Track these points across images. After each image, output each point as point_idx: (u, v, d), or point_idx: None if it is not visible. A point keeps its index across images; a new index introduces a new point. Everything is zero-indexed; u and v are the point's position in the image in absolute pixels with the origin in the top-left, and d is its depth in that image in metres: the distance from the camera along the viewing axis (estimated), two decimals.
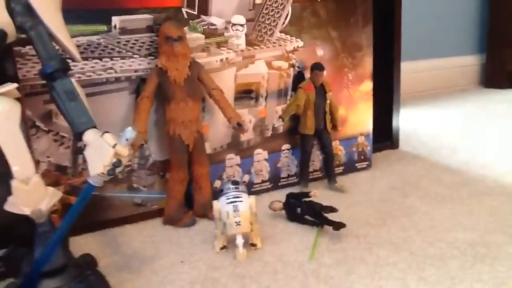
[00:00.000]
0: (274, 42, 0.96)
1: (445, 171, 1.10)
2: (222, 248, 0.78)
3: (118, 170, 0.57)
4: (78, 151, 0.81)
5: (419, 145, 1.32)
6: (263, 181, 1.01)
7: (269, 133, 1.00)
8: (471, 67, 2.23)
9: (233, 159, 0.97)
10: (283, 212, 0.88)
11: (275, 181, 1.03)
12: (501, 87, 2.11)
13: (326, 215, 0.81)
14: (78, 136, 0.59)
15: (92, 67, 0.81)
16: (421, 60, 2.04)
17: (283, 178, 1.03)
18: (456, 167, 1.13)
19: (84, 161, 0.62)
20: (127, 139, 0.57)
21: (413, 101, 1.86)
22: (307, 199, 0.86)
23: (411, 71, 1.93)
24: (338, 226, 0.79)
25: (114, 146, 0.56)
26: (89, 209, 0.83)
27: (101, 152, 0.57)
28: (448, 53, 2.15)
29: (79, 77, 0.80)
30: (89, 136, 0.58)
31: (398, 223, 0.85)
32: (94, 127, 0.60)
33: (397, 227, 0.83)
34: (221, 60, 0.91)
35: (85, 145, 0.59)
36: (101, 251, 0.79)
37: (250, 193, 0.80)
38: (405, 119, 1.53)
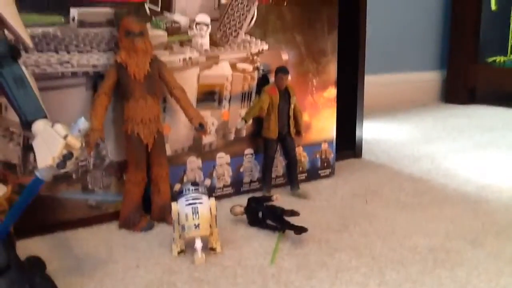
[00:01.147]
0: (239, 44, 0.94)
1: (407, 180, 1.11)
2: (180, 252, 0.75)
3: (69, 163, 0.54)
4: (28, 147, 0.77)
5: (381, 154, 1.33)
6: (225, 186, 0.99)
7: (232, 136, 0.97)
8: (433, 82, 2.28)
9: (194, 162, 0.94)
10: (245, 216, 0.86)
11: (237, 186, 1.00)
12: (461, 103, 2.17)
13: (287, 219, 0.80)
14: (26, 126, 0.55)
15: (47, 60, 0.77)
16: (384, 74, 2.08)
17: (246, 183, 1.01)
18: (418, 176, 1.14)
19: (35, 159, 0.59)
20: (79, 130, 0.54)
21: (376, 114, 1.88)
22: (268, 204, 0.84)
23: (374, 84, 1.96)
24: (300, 230, 0.77)
25: (65, 137, 0.53)
26: (40, 210, 0.80)
27: (51, 143, 0.53)
28: (411, 68, 2.20)
29: (33, 70, 0.76)
30: (39, 126, 0.55)
31: (360, 228, 0.84)
32: (45, 117, 0.56)
33: (359, 232, 0.82)
34: (184, 59, 0.89)
35: (34, 136, 0.55)
36: (51, 254, 0.75)
37: (211, 197, 0.77)
38: (368, 131, 1.55)
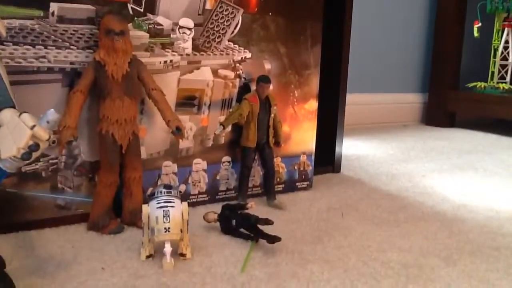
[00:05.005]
0: (221, 50, 0.94)
1: (384, 196, 1.10)
2: (148, 257, 0.73)
3: (35, 155, 0.52)
4: None
5: (360, 171, 1.33)
6: (200, 193, 0.97)
7: (210, 143, 0.96)
8: (414, 104, 2.31)
9: (169, 166, 0.92)
10: (218, 224, 0.84)
11: (212, 194, 0.99)
12: (441, 125, 2.19)
13: (261, 228, 0.78)
14: None
15: (23, 53, 0.76)
16: (366, 94, 2.10)
17: (221, 191, 1.00)
18: (395, 193, 1.13)
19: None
20: (48, 122, 0.52)
21: (356, 132, 1.89)
22: (243, 212, 0.83)
23: (356, 103, 1.97)
24: (273, 239, 0.76)
25: (32, 128, 0.51)
26: (4, 207, 0.77)
27: (17, 133, 0.51)
28: (393, 90, 2.22)
29: (7, 62, 0.74)
30: (5, 115, 0.53)
31: (334, 241, 0.83)
32: (13, 107, 0.54)
33: (332, 245, 0.81)
34: (165, 62, 0.88)
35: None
36: (12, 253, 0.72)
37: (184, 201, 0.75)
38: (348, 147, 1.55)
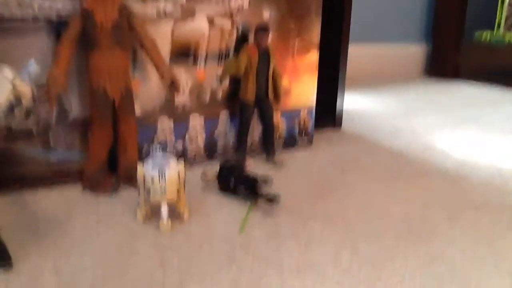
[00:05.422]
0: None
1: (386, 153, 1.08)
2: (145, 218, 0.70)
3: (17, 111, 0.48)
4: None
5: (361, 126, 1.30)
6: (197, 149, 0.94)
7: (207, 98, 0.92)
8: (417, 55, 2.25)
9: (165, 122, 0.88)
10: (216, 183, 0.82)
11: (210, 150, 0.95)
12: (445, 77, 2.14)
13: (260, 187, 0.76)
14: None
15: (5, 1, 0.70)
16: (367, 44, 2.03)
17: (220, 147, 0.96)
18: (397, 149, 1.10)
19: None
20: (29, 73, 0.48)
21: (357, 86, 1.84)
22: (241, 170, 0.80)
23: (356, 54, 1.91)
24: (272, 200, 0.73)
25: (13, 81, 0.47)
26: None
27: None
28: (395, 40, 2.15)
29: None
30: None
31: (335, 198, 0.81)
32: None
33: (333, 202, 0.79)
34: (158, 11, 0.82)
35: None
36: (5, 209, 0.70)
37: (180, 159, 0.72)
38: (349, 102, 1.50)
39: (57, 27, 0.75)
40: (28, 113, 0.51)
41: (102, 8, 0.72)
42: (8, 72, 0.48)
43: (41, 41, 0.74)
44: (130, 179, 0.80)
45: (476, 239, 0.68)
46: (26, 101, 0.48)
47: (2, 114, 0.47)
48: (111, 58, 0.74)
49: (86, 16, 0.73)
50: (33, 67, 0.48)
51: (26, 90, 0.48)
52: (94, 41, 0.73)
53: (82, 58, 0.77)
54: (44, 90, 0.70)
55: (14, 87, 0.47)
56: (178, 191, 0.69)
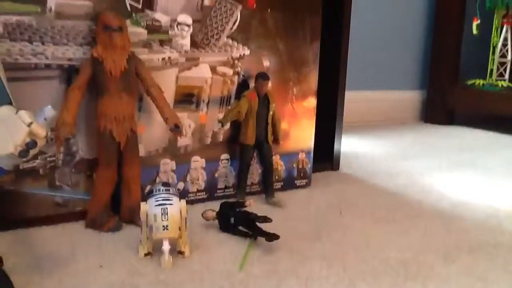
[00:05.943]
0: (220, 47, 0.93)
1: (382, 194, 1.10)
2: (146, 255, 0.72)
3: (32, 152, 0.51)
4: None
5: (359, 168, 1.33)
6: (198, 190, 0.96)
7: (208, 140, 0.96)
8: (413, 101, 2.30)
9: (168, 164, 0.92)
10: (216, 222, 0.84)
11: (211, 191, 0.98)
12: (440, 123, 2.18)
13: (260, 226, 0.78)
14: None
15: (20, 49, 0.75)
16: (365, 91, 2.09)
17: (220, 189, 0.99)
18: (394, 191, 1.13)
19: None
20: (45, 119, 0.52)
21: (355, 130, 1.88)
22: (241, 209, 0.82)
23: (354, 100, 1.96)
24: (271, 237, 0.76)
25: (29, 125, 0.51)
26: (2, 204, 0.77)
27: (14, 130, 0.51)
28: (392, 87, 2.21)
29: (4, 58, 0.73)
30: (2, 112, 0.52)
31: (333, 239, 0.82)
32: (10, 104, 0.54)
33: (331, 242, 0.81)
34: (163, 59, 0.87)
35: None
36: (10, 250, 0.72)
37: (182, 199, 0.75)
38: (347, 145, 1.54)
39: (68, 74, 0.79)
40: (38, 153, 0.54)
41: (111, 56, 0.77)
42: (25, 116, 0.51)
43: (53, 87, 0.79)
44: (133, 219, 0.83)
45: (472, 281, 0.69)
46: (41, 142, 0.52)
47: (18, 156, 0.51)
48: (118, 103, 0.78)
49: (96, 64, 0.77)
50: (50, 112, 0.52)
51: (42, 132, 0.51)
52: (103, 87, 0.78)
53: (90, 102, 0.81)
54: (53, 133, 0.74)
55: (31, 130, 0.51)
56: (180, 228, 0.72)
